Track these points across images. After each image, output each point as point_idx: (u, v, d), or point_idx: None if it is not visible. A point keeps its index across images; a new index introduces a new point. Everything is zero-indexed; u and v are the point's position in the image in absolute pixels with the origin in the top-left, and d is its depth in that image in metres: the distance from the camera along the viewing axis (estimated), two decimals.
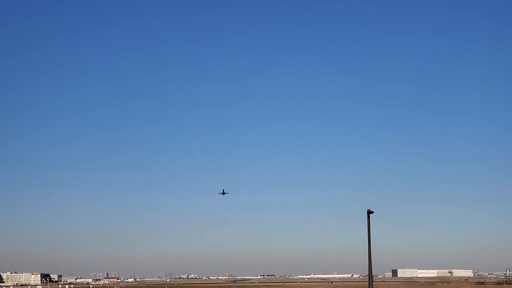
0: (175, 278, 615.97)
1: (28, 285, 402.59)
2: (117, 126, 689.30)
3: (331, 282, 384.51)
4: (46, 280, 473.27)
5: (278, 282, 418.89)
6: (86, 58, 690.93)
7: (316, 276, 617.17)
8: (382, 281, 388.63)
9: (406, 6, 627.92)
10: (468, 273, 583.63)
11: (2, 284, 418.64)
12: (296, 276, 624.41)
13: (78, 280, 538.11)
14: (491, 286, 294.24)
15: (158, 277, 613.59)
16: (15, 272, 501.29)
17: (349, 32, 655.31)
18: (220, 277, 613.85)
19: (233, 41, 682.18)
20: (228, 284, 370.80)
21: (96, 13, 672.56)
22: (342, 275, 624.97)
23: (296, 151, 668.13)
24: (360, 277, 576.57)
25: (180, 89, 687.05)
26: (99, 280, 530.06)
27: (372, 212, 68.03)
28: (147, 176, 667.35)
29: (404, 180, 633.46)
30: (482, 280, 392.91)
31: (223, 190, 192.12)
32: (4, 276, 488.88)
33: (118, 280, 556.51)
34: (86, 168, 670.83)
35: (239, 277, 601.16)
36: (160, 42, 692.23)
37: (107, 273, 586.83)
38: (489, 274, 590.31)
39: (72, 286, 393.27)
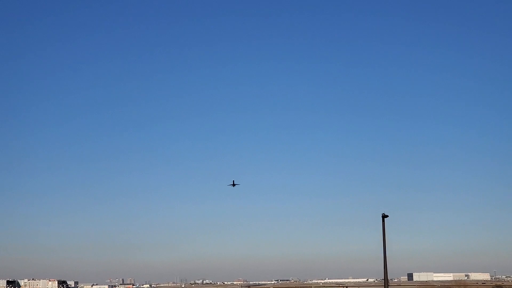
0: (190, 283, 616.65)
1: None
2: (125, 128, 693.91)
3: (346, 287, 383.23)
4: (63, 287, 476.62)
5: (293, 287, 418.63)
6: (87, 62, 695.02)
7: (331, 280, 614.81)
8: (398, 285, 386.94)
9: (404, 16, 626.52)
10: (485, 276, 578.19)
11: None
12: (311, 280, 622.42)
13: (94, 287, 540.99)
14: None
15: (173, 282, 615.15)
16: (33, 279, 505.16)
17: (349, 41, 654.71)
18: (234, 283, 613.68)
19: (235, 47, 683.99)
20: None
21: (94, 16, 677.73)
22: (357, 280, 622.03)
23: (309, 155, 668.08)
24: (376, 281, 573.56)
25: (186, 92, 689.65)
26: (115, 286, 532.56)
27: (387, 216, 68.10)
28: (160, 180, 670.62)
29: (419, 183, 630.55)
30: (499, 283, 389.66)
31: (233, 181, 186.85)
32: (22, 283, 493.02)
33: (134, 286, 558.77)
34: (98, 173, 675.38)
35: (253, 282, 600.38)
36: (163, 45, 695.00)
37: (123, 279, 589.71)
38: (506, 277, 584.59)
39: None
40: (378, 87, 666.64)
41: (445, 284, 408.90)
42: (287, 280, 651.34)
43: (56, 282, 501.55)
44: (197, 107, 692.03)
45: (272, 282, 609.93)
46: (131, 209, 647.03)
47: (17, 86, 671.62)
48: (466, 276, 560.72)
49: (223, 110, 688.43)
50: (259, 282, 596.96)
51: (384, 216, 70.11)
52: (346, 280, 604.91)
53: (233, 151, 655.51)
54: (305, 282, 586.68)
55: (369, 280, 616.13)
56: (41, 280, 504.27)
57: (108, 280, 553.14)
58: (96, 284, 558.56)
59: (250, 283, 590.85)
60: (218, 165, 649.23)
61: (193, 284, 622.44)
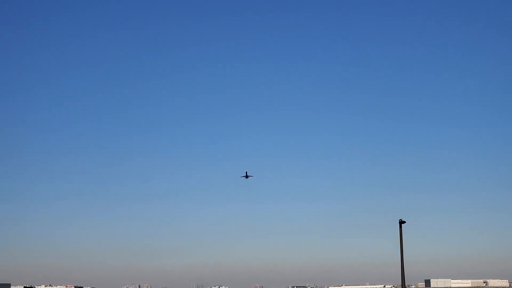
0: None
1: None
2: (135, 132, 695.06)
3: None
4: None
5: None
6: (88, 64, 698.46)
7: (347, 287, 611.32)
8: None
9: (406, 16, 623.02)
10: (504, 283, 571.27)
11: None
12: (327, 287, 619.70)
13: None
14: None
15: None
16: (50, 285, 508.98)
17: (350, 42, 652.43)
18: None
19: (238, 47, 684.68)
20: None
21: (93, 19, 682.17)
22: (374, 286, 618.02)
23: (324, 160, 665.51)
24: (393, 287, 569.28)
25: (194, 95, 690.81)
26: None
27: (404, 222, 67.84)
28: (176, 185, 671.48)
29: (436, 187, 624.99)
30: None
31: (246, 172, 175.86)
32: None
33: None
34: (113, 177, 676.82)
35: None
36: (165, 44, 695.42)
37: (139, 285, 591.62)
38: None
39: None
40: (392, 89, 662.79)
41: None
42: (304, 287, 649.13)
43: (73, 287, 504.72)
44: (208, 109, 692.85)
45: None
46: (145, 215, 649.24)
47: (29, 90, 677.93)
48: (484, 282, 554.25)
49: (236, 113, 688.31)
50: None
51: (402, 222, 69.69)
52: (363, 287, 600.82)
53: (247, 154, 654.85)
54: None
55: (386, 286, 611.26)
56: (58, 286, 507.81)
57: (125, 286, 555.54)
58: None
59: None
60: (233, 170, 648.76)
61: None
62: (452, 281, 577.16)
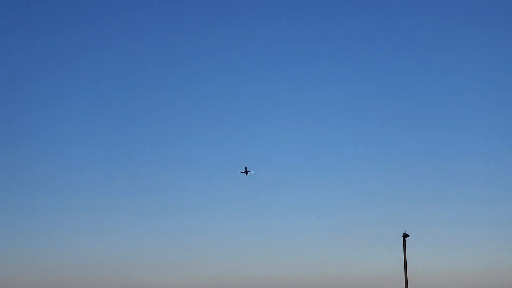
0: None
1: None
2: (148, 147, 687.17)
3: None
4: None
5: None
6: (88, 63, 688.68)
7: None
8: None
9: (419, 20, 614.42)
10: None
11: None
12: None
13: None
14: None
15: None
16: None
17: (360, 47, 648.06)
18: None
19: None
20: None
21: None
22: None
23: (325, 174, 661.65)
24: None
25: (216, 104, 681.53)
26: None
27: (408, 236, 66.58)
28: (185, 200, 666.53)
29: (440, 201, 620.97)
30: None
31: (246, 168, 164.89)
32: None
33: None
34: (124, 194, 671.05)
35: None
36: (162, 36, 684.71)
37: None
38: None
39: None
40: (399, 97, 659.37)
41: None
42: None
43: None
44: (222, 122, 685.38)
45: None
46: (155, 229, 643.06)
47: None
48: None
49: (250, 120, 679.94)
50: None
51: (405, 236, 68.18)
52: None
53: (255, 173, 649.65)
54: None
55: None
56: None
57: None
58: None
59: None
60: (241, 188, 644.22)
61: None
62: None
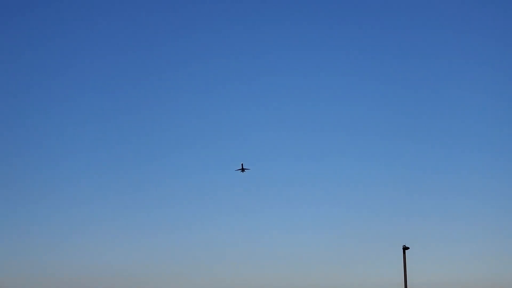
0: None
1: None
2: (144, 149, 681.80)
3: None
4: None
5: None
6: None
7: None
8: None
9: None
10: None
11: None
12: None
13: None
14: None
15: None
16: None
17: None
18: None
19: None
20: None
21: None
22: None
23: (325, 186, 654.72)
24: None
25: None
26: None
27: (407, 248, 66.37)
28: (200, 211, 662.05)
29: (440, 215, 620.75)
30: None
31: (242, 165, 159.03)
32: None
33: None
34: (134, 205, 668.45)
35: None
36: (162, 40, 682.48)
37: None
38: None
39: None
40: (399, 112, 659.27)
41: None
42: None
43: None
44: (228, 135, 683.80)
45: None
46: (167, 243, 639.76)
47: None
48: None
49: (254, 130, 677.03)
50: None
51: (405, 248, 67.75)
52: None
53: (257, 189, 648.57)
54: None
55: None
56: None
57: None
58: None
59: None
60: (248, 203, 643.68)
61: None
62: None
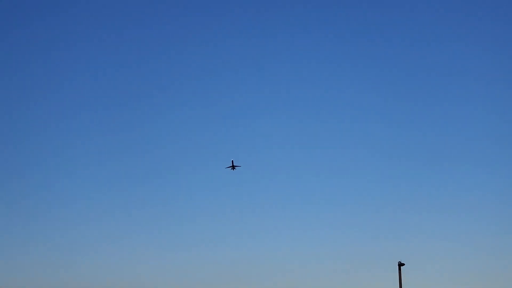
0: None
1: None
2: (138, 148, 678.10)
3: None
4: None
5: None
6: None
7: None
8: None
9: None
10: None
11: None
12: None
13: None
14: None
15: None
16: None
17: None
18: None
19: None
20: None
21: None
22: None
23: (322, 206, 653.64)
24: None
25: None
26: None
27: (403, 264, 66.70)
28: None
29: (435, 231, 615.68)
30: None
31: (232, 162, 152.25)
32: None
33: None
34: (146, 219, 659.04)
35: None
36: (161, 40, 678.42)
37: None
38: None
39: None
40: (395, 130, 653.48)
41: None
42: None
43: None
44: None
45: None
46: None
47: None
48: None
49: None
50: None
51: (401, 265, 68.70)
52: None
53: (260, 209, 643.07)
54: None
55: None
56: None
57: None
58: None
59: None
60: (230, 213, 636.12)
61: None
62: None
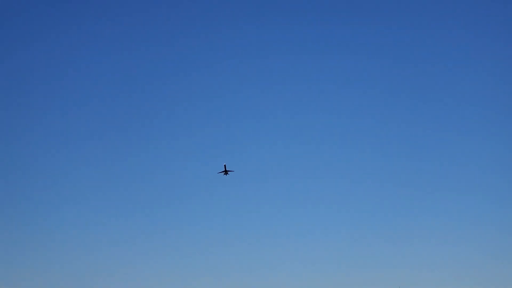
0: None
1: None
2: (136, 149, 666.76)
3: None
4: None
5: None
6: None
7: None
8: None
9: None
10: None
11: None
12: None
13: None
14: None
15: None
16: None
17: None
18: None
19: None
20: None
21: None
22: None
23: (323, 229, 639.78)
24: None
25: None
26: None
27: None
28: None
29: (433, 257, 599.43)
30: None
31: (225, 166, 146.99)
32: None
33: None
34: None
35: None
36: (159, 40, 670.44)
37: None
38: None
39: None
40: (391, 158, 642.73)
41: None
42: None
43: None
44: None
45: None
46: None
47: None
48: None
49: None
50: None
51: None
52: None
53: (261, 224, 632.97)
54: None
55: None
56: None
57: None
58: None
59: None
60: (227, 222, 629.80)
61: None
62: None
